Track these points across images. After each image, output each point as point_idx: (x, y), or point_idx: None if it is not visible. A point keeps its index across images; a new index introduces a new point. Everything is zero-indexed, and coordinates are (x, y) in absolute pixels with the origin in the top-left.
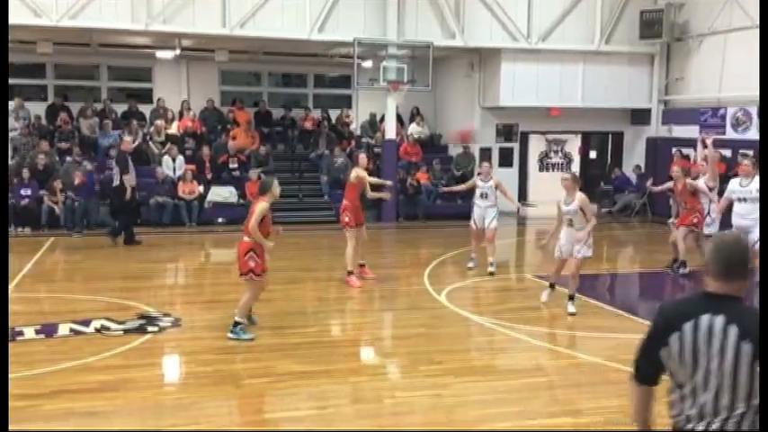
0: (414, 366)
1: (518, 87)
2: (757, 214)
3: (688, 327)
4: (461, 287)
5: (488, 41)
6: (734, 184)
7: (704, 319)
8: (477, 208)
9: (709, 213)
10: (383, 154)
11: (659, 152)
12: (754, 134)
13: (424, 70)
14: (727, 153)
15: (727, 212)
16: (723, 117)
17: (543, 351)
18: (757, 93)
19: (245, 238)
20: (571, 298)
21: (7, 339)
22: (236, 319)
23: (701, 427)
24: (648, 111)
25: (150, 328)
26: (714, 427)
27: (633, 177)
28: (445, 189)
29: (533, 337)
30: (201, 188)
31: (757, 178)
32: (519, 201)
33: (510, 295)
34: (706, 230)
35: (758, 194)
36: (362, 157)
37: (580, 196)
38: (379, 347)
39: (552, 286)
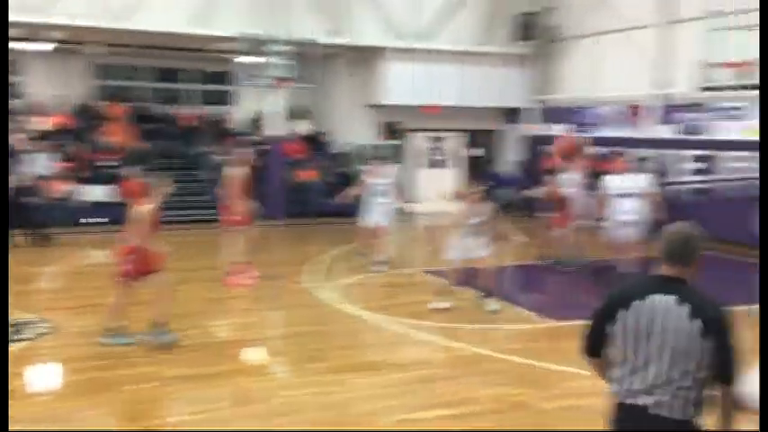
0: (302, 365)
1: (400, 85)
2: (639, 209)
3: (638, 304)
4: (351, 284)
5: (372, 40)
6: (613, 180)
7: (656, 297)
8: (373, 205)
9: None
10: (269, 151)
11: (535, 150)
12: (621, 132)
13: (311, 67)
14: (601, 150)
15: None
16: (594, 116)
17: (432, 344)
18: (625, 93)
19: (128, 240)
20: (490, 295)
21: (7, 340)
22: (111, 324)
23: (650, 400)
24: (524, 110)
25: (22, 336)
26: (665, 398)
27: (512, 174)
28: (338, 198)
29: (423, 331)
30: (74, 187)
31: (640, 176)
32: (405, 198)
33: (399, 290)
34: (578, 224)
35: (640, 190)
36: (243, 155)
37: (488, 208)
38: (267, 347)
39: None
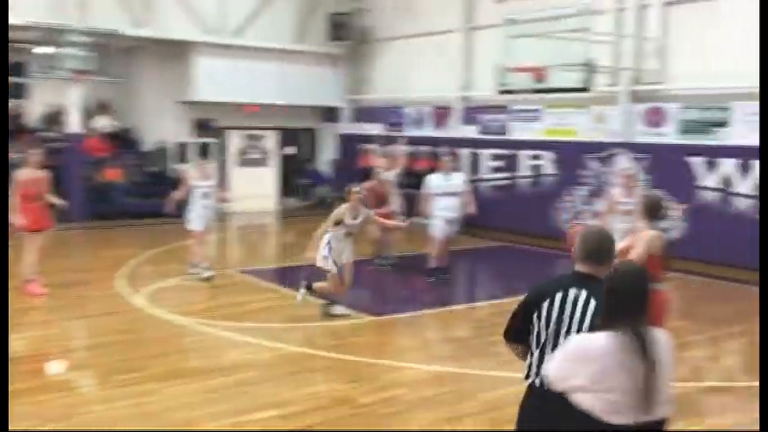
0: (110, 377)
1: (214, 82)
2: (457, 207)
3: (558, 296)
4: (163, 288)
5: (180, 33)
6: (436, 179)
7: (571, 291)
8: (202, 209)
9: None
10: (67, 149)
11: (349, 148)
12: (429, 131)
13: (112, 60)
14: (409, 149)
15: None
16: (404, 116)
17: (250, 346)
18: (434, 94)
19: None
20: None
21: (7, 340)
22: None
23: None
24: (339, 109)
25: None
26: None
27: (327, 172)
28: (167, 206)
29: (240, 333)
30: None
31: (459, 174)
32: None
33: (215, 292)
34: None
35: (460, 189)
36: (33, 154)
37: (366, 211)
38: (70, 360)
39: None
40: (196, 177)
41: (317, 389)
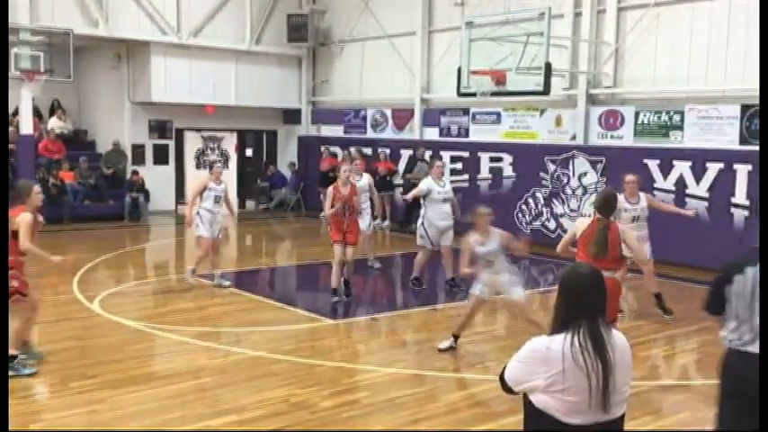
0: (64, 384)
1: (171, 83)
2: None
3: (749, 270)
4: (117, 293)
5: (135, 33)
6: (431, 184)
7: (755, 267)
8: (210, 214)
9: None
10: (18, 151)
11: (310, 150)
12: (389, 134)
13: (64, 59)
14: (368, 151)
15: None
16: (364, 118)
17: (207, 351)
18: (394, 96)
19: None
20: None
21: (7, 340)
22: (12, 352)
23: (755, 348)
24: (299, 111)
25: None
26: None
27: (288, 174)
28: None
29: (197, 338)
30: None
31: (447, 179)
32: (178, 199)
33: (171, 297)
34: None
35: (451, 195)
36: None
37: (499, 233)
38: None
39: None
40: (210, 181)
41: (277, 393)
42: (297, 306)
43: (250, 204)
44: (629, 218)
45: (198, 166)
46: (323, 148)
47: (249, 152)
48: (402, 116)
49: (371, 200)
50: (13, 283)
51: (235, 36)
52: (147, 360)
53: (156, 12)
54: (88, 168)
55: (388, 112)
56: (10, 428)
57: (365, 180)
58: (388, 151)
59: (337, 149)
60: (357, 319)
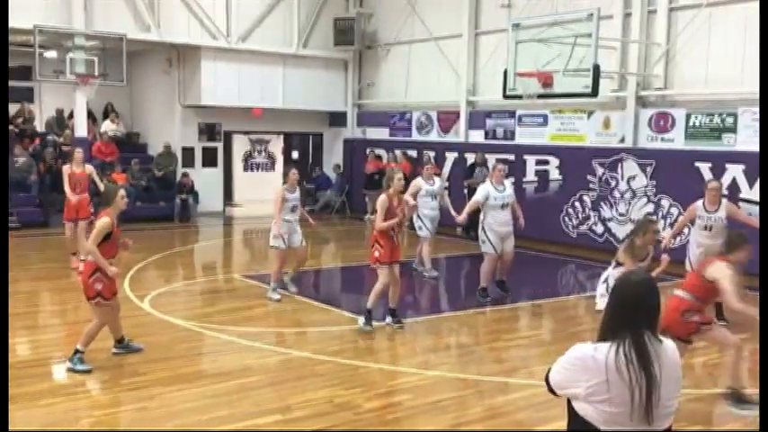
0: (115, 381)
1: (220, 86)
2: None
3: None
4: (166, 292)
5: (186, 38)
6: (489, 189)
7: None
8: (288, 224)
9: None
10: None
11: (355, 153)
12: (434, 136)
13: (118, 64)
14: (413, 153)
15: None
16: (409, 121)
17: (253, 351)
18: (440, 99)
19: (89, 257)
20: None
21: (7, 340)
22: (77, 346)
23: None
24: (344, 113)
25: None
26: None
27: (333, 176)
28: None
29: (243, 338)
30: None
31: (509, 183)
32: (225, 201)
33: (219, 297)
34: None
35: (513, 199)
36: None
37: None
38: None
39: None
40: (286, 189)
41: (321, 394)
42: (341, 307)
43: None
44: (702, 225)
45: (245, 169)
46: (368, 151)
47: (295, 155)
48: (447, 119)
49: (440, 206)
50: (97, 286)
51: (282, 40)
52: (196, 359)
53: (206, 17)
54: (140, 170)
55: (434, 115)
56: (60, 424)
57: (438, 184)
58: (432, 154)
59: (382, 152)
60: (403, 320)
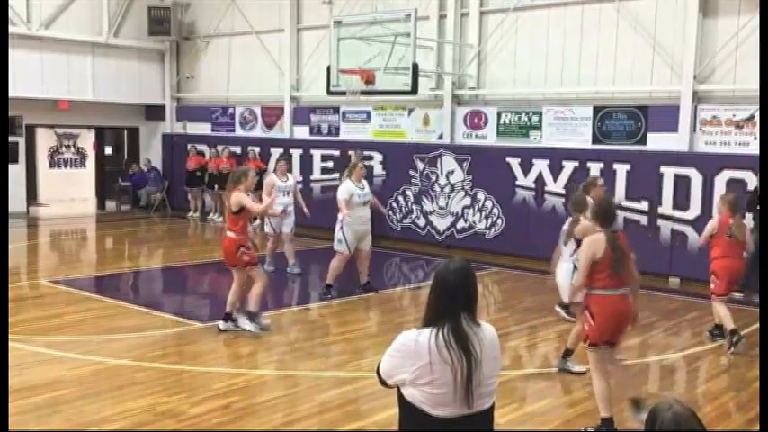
0: None
1: (20, 76)
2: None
3: None
4: None
5: None
6: (351, 188)
7: None
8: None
9: None
10: None
11: (175, 148)
12: (259, 132)
13: None
14: (237, 149)
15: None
16: (232, 116)
17: (64, 361)
18: (263, 94)
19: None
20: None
21: (7, 339)
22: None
23: None
24: (162, 107)
25: None
26: None
27: (152, 173)
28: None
29: (53, 348)
30: None
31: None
32: (28, 200)
33: (23, 305)
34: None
35: (371, 197)
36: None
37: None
38: None
39: None
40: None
41: (141, 403)
42: (163, 310)
43: (111, 205)
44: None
45: (51, 166)
46: (189, 147)
47: (109, 150)
48: (272, 114)
49: (296, 202)
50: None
51: (91, 28)
52: None
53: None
54: None
55: (258, 110)
56: None
57: (291, 181)
58: (257, 150)
59: (204, 148)
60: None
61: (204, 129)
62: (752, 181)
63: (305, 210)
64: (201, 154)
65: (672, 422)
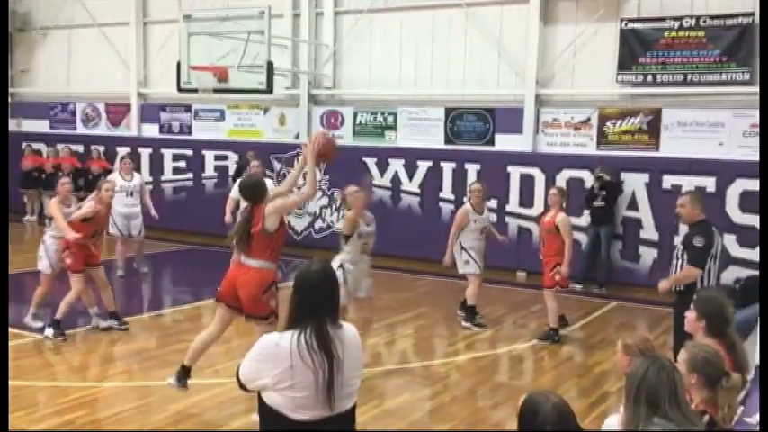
0: None
1: None
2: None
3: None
4: None
5: None
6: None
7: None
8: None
9: None
10: None
11: (9, 147)
12: (103, 130)
13: None
14: (79, 148)
15: None
16: (73, 112)
17: None
18: (107, 90)
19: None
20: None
21: (7, 339)
22: None
23: None
24: None
25: None
26: None
27: None
28: None
29: None
30: None
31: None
32: None
33: None
34: None
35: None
36: None
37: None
38: None
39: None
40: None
41: None
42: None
43: None
44: (479, 228)
45: None
46: (25, 145)
47: None
48: (117, 111)
49: (143, 202)
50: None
51: None
52: None
53: None
54: None
55: (101, 107)
56: None
57: (137, 181)
58: (102, 149)
59: (42, 146)
60: (69, 331)
61: (42, 126)
62: (589, 180)
63: (152, 212)
64: (39, 153)
65: (555, 414)
